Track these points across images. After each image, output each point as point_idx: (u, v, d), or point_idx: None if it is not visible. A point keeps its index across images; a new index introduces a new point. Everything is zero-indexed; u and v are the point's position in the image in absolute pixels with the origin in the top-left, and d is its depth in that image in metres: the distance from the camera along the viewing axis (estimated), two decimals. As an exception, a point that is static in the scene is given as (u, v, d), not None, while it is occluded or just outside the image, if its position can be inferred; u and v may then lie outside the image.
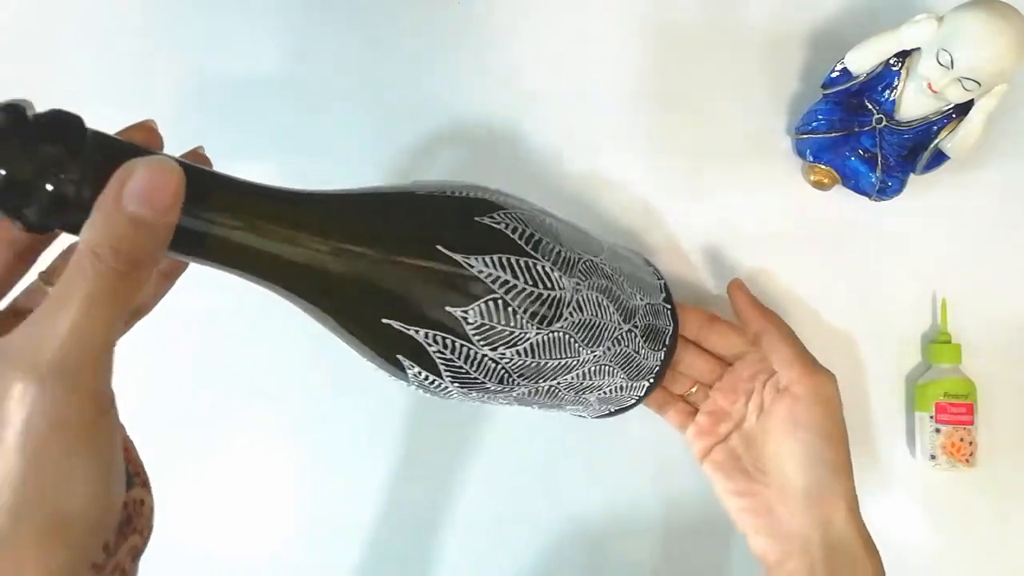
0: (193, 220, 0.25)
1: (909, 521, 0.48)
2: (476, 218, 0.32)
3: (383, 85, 0.50)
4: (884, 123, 0.45)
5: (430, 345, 0.31)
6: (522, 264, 0.32)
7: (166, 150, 0.29)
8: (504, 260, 0.31)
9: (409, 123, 0.50)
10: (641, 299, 0.38)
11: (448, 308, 0.30)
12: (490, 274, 0.31)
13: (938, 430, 0.45)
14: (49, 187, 0.22)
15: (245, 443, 0.50)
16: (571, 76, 0.49)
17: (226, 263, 0.27)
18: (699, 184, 0.49)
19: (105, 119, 0.52)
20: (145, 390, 0.48)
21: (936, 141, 0.44)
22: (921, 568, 0.48)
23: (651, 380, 0.40)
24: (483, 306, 0.31)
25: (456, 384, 0.32)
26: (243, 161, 0.50)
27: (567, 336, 0.33)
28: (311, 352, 0.48)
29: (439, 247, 0.30)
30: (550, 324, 0.33)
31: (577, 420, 0.49)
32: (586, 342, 0.34)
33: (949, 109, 0.43)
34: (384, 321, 0.30)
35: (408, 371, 0.32)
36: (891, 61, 0.43)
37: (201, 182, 0.26)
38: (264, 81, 0.50)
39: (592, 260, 0.36)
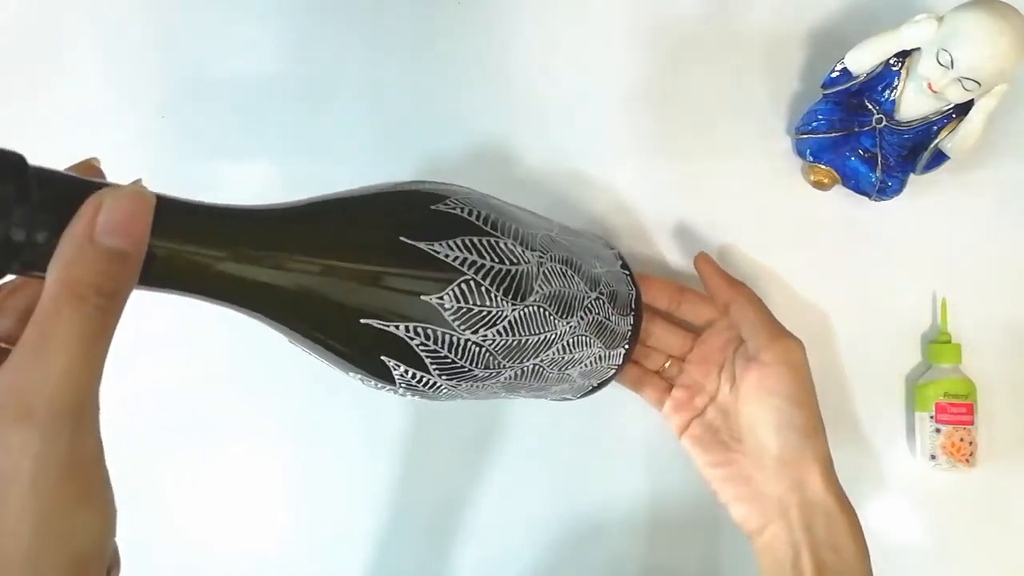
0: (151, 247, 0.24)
1: (909, 521, 0.48)
2: (432, 206, 0.32)
3: (383, 85, 0.50)
4: (884, 123, 0.45)
5: (412, 339, 0.31)
6: (485, 243, 0.32)
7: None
8: (468, 241, 0.31)
9: (409, 123, 0.50)
10: (601, 267, 0.39)
11: (424, 297, 0.30)
12: (457, 256, 0.31)
13: (938, 430, 0.45)
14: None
15: (241, 451, 0.50)
16: (571, 76, 0.49)
17: (181, 288, 0.27)
18: (699, 184, 0.49)
19: (105, 119, 0.52)
20: (140, 398, 0.48)
21: (936, 141, 0.44)
22: (921, 568, 0.48)
23: (626, 347, 0.41)
24: (456, 290, 0.31)
25: (444, 377, 0.32)
26: (243, 161, 0.50)
27: (541, 309, 0.34)
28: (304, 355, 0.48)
29: (403, 239, 0.30)
30: (523, 299, 0.33)
31: (571, 417, 0.49)
32: (560, 313, 0.35)
33: (949, 109, 0.43)
34: (363, 322, 0.30)
35: (395, 372, 0.32)
36: (891, 61, 0.43)
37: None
38: (264, 81, 0.50)
39: (548, 234, 0.36)
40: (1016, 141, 0.48)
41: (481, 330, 0.32)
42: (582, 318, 0.36)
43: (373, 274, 0.30)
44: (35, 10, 0.51)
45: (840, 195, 0.48)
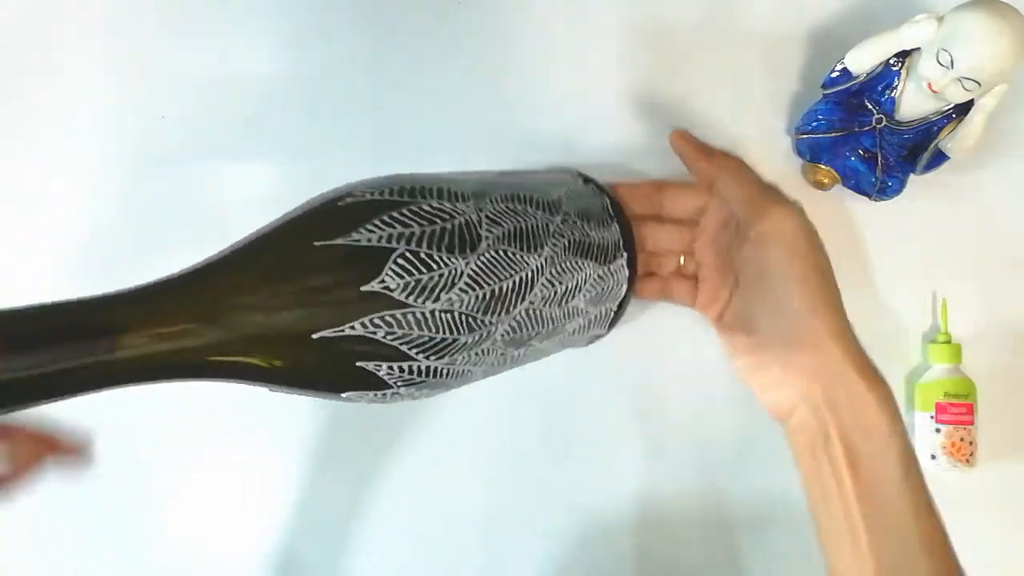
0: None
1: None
2: (338, 203, 0.31)
3: (383, 86, 0.50)
4: (884, 123, 0.45)
5: (375, 332, 0.29)
6: (406, 212, 0.30)
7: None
8: (386, 218, 0.30)
9: (409, 124, 0.50)
10: (558, 191, 0.37)
11: (364, 288, 0.29)
12: (379, 235, 0.29)
13: (938, 430, 0.45)
14: None
15: (240, 459, 0.50)
16: (570, 76, 0.49)
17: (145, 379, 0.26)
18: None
19: (105, 119, 0.52)
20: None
21: (936, 141, 0.44)
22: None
23: (624, 255, 0.38)
24: (394, 266, 0.29)
25: (433, 358, 0.30)
26: (243, 162, 0.50)
27: (501, 252, 0.32)
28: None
29: (316, 243, 0.29)
30: (473, 249, 0.31)
31: (568, 415, 0.49)
32: (525, 248, 0.33)
33: (949, 109, 0.43)
34: (316, 337, 0.28)
35: (380, 374, 0.30)
36: (891, 61, 0.43)
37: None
38: (264, 82, 0.50)
39: (483, 178, 0.35)
40: (1016, 141, 0.48)
41: (442, 295, 0.30)
42: (555, 245, 0.34)
43: (301, 289, 0.28)
44: (34, 10, 0.51)
45: (840, 195, 0.48)
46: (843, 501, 0.35)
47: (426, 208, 0.31)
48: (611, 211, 0.39)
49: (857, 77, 0.44)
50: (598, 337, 0.41)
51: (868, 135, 0.45)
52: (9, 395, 0.24)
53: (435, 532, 0.49)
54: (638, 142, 0.49)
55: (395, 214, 0.30)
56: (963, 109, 0.43)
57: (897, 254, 0.48)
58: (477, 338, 0.31)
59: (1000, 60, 0.38)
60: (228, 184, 0.50)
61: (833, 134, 0.46)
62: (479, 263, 0.31)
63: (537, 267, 0.33)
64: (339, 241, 0.29)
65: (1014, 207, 0.48)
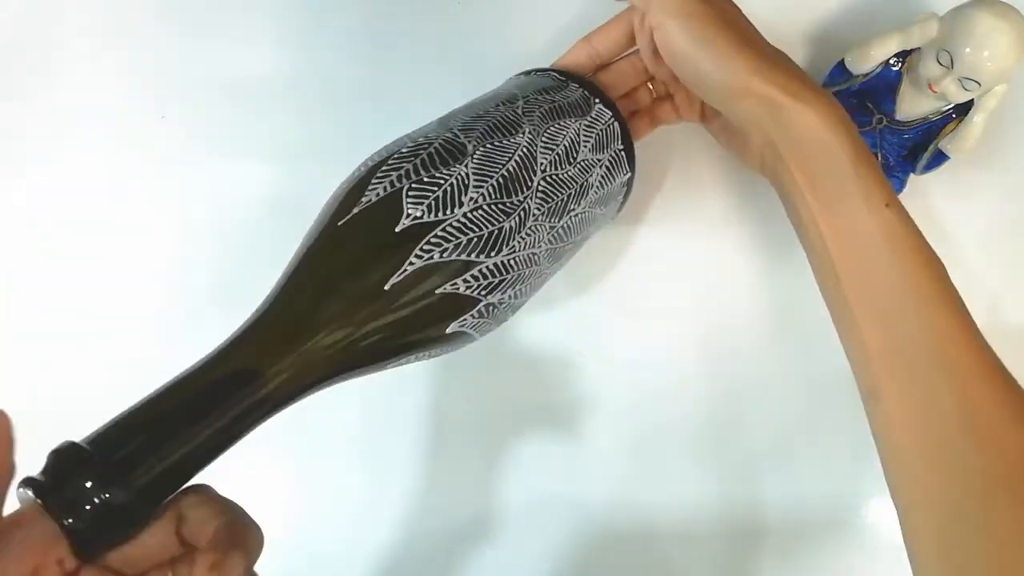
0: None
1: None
2: (343, 187, 0.34)
3: (383, 86, 0.50)
4: (884, 123, 0.45)
5: (432, 254, 0.32)
6: (392, 161, 0.34)
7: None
8: (379, 174, 0.33)
9: (409, 124, 0.50)
10: (508, 89, 0.40)
11: (397, 229, 0.32)
12: (382, 187, 0.33)
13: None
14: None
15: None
16: (571, 76, 0.49)
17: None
18: (699, 184, 0.49)
19: (105, 119, 0.52)
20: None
21: (936, 141, 0.44)
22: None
23: (597, 99, 0.40)
24: (409, 200, 0.32)
25: (494, 253, 0.33)
26: (243, 162, 0.50)
27: (487, 146, 0.35)
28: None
29: (339, 223, 0.33)
30: (464, 152, 0.34)
31: (565, 410, 0.49)
32: (506, 134, 0.35)
33: (949, 109, 0.43)
34: (387, 287, 0.31)
35: (463, 292, 0.33)
36: (891, 61, 0.43)
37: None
38: (264, 81, 0.50)
39: (438, 119, 0.38)
40: (1016, 141, 0.48)
41: (462, 198, 0.33)
42: (530, 120, 0.37)
43: (354, 259, 0.32)
44: (34, 10, 0.51)
45: (840, 195, 0.48)
46: (818, 237, 0.36)
47: (405, 150, 0.34)
48: (561, 78, 0.41)
49: (857, 77, 0.44)
50: (629, 186, 0.42)
51: (868, 135, 0.45)
52: (195, 461, 0.28)
53: (435, 533, 0.49)
54: (637, 142, 0.49)
55: (384, 167, 0.34)
56: (963, 109, 0.43)
57: (897, 254, 0.48)
58: (517, 220, 0.34)
59: (1000, 60, 0.38)
60: (228, 184, 0.50)
61: (833, 134, 0.46)
62: (475, 162, 0.34)
63: (527, 142, 0.36)
64: (356, 210, 0.32)
65: (1014, 207, 0.48)
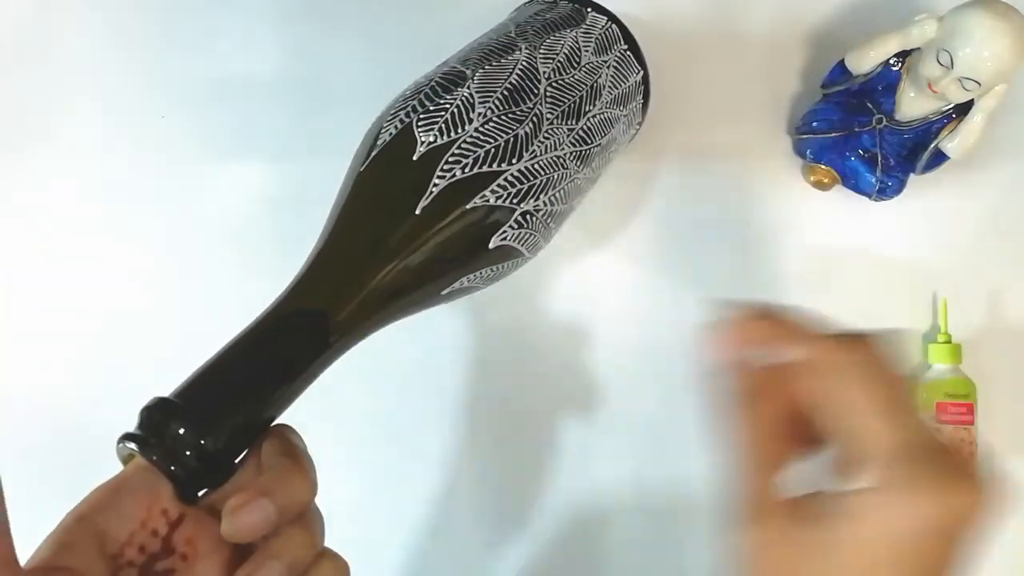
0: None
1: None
2: (364, 140, 0.37)
3: (383, 86, 0.50)
4: (884, 123, 0.45)
5: (453, 172, 0.33)
6: (399, 103, 0.36)
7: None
8: (388, 117, 0.35)
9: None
10: (514, 20, 0.41)
11: (415, 157, 0.33)
12: (394, 125, 0.35)
13: (938, 430, 0.45)
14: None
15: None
16: (571, 76, 0.49)
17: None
18: (698, 184, 0.49)
19: (105, 119, 0.52)
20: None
21: (936, 141, 0.44)
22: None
23: (604, 15, 0.41)
24: (420, 130, 0.34)
25: (516, 160, 0.34)
26: (243, 162, 0.50)
27: (486, 67, 0.36)
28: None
29: (361, 169, 0.35)
30: (463, 78, 0.35)
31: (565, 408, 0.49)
32: (503, 54, 0.37)
33: (949, 109, 0.43)
34: (418, 211, 0.32)
35: (493, 203, 0.33)
36: (891, 61, 0.43)
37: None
38: (264, 82, 0.50)
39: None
40: (1016, 141, 0.48)
41: (471, 115, 0.34)
42: (524, 37, 0.38)
43: (384, 191, 0.33)
44: (34, 10, 0.51)
45: (840, 195, 0.48)
46: None
47: (408, 92, 0.36)
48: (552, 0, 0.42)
49: (857, 77, 0.44)
50: (646, 84, 0.42)
51: (868, 135, 0.45)
52: (275, 402, 0.29)
53: (432, 529, 0.49)
54: (636, 142, 0.49)
55: (392, 112, 0.36)
56: (963, 109, 0.43)
57: (897, 254, 0.48)
58: (532, 126, 0.35)
59: (1000, 60, 0.38)
60: (228, 184, 0.50)
61: (833, 134, 0.46)
62: (476, 83, 0.35)
63: (526, 56, 0.37)
64: (374, 153, 0.34)
65: (1014, 207, 0.48)
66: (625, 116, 0.41)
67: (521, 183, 0.34)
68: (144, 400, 0.28)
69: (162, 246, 0.50)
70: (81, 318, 0.49)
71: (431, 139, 0.33)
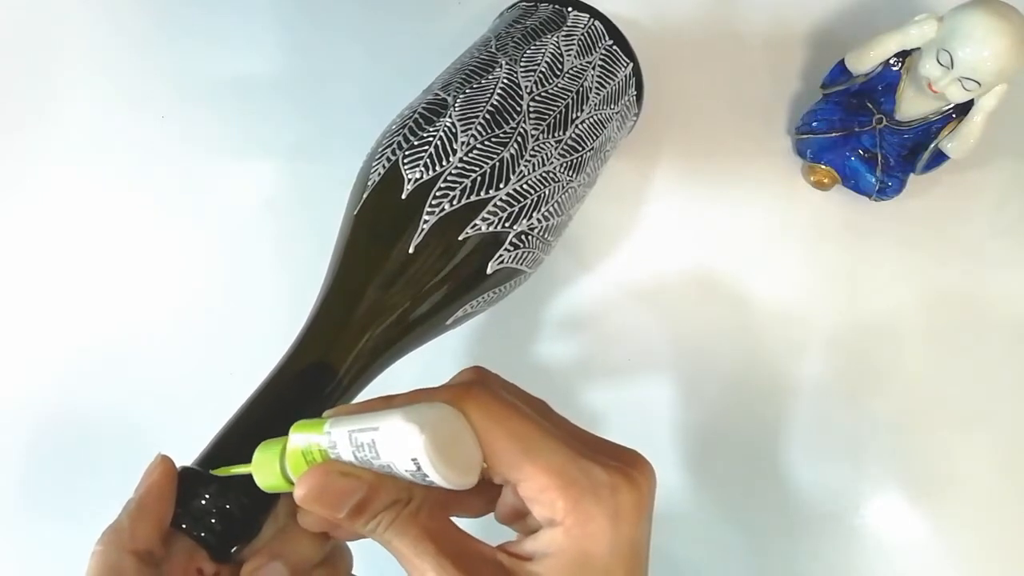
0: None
1: (911, 520, 0.48)
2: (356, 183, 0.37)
3: (383, 86, 0.50)
4: (884, 123, 0.45)
5: (442, 207, 0.33)
6: (384, 141, 0.36)
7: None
8: (376, 156, 0.36)
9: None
10: (495, 31, 0.41)
11: (403, 196, 0.33)
12: (381, 165, 0.35)
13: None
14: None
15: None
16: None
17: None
18: (698, 184, 0.49)
19: (105, 119, 0.52)
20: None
21: (936, 141, 0.44)
22: (922, 570, 0.48)
23: (587, 12, 0.40)
24: (406, 166, 0.34)
25: (503, 184, 0.34)
26: (243, 161, 0.50)
27: (467, 91, 0.36)
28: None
29: (355, 213, 0.35)
30: (445, 107, 0.35)
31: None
32: (482, 73, 0.37)
33: (949, 109, 0.43)
34: (411, 251, 0.33)
35: (486, 229, 0.33)
36: (891, 61, 0.43)
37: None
38: (264, 81, 0.50)
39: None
40: (1016, 141, 0.48)
41: (455, 146, 0.34)
42: (504, 51, 0.38)
43: (378, 234, 0.34)
44: (35, 11, 0.51)
45: (840, 195, 0.48)
46: None
47: (394, 126, 0.37)
48: (530, 2, 0.41)
49: (857, 77, 0.44)
50: (637, 76, 0.42)
51: (868, 135, 0.45)
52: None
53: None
54: (636, 141, 0.49)
55: (380, 149, 0.36)
56: (963, 109, 0.43)
57: (897, 254, 0.48)
58: (516, 147, 0.35)
59: (1000, 60, 0.38)
60: (228, 184, 0.50)
61: (833, 134, 0.46)
62: (458, 110, 0.35)
63: (506, 73, 0.36)
64: (366, 195, 0.35)
65: (1014, 207, 0.48)
66: (618, 113, 0.41)
67: (512, 206, 0.34)
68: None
69: (162, 246, 0.50)
70: (80, 318, 0.49)
71: (417, 176, 0.33)
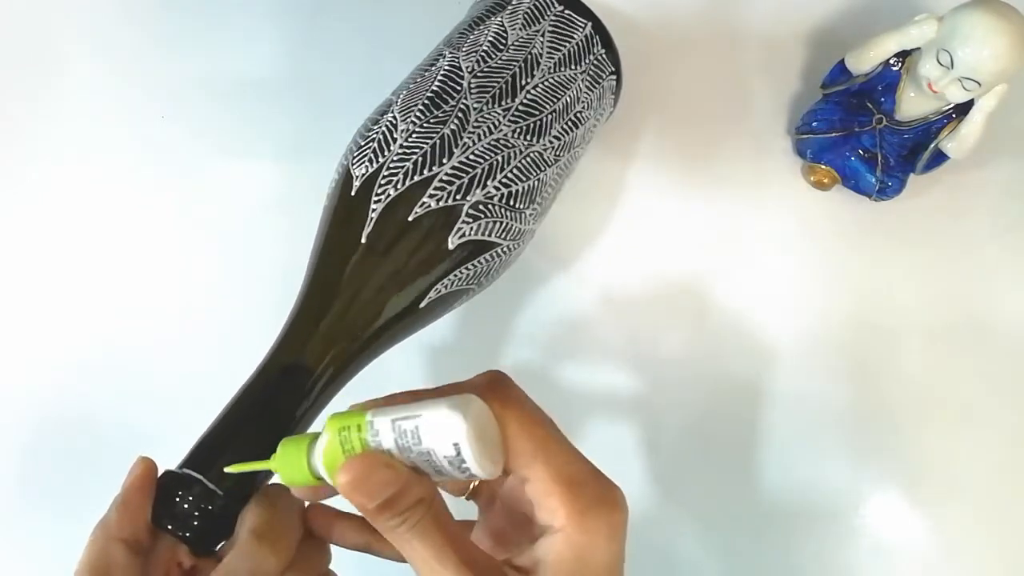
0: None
1: (910, 521, 0.48)
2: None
3: (384, 86, 0.50)
4: (884, 123, 0.45)
5: (386, 194, 0.34)
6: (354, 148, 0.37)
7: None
8: (340, 164, 0.37)
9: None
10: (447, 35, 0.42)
11: (352, 195, 0.35)
12: (338, 171, 0.37)
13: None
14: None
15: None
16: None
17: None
18: (698, 184, 0.49)
19: (105, 119, 0.52)
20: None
21: (936, 141, 0.44)
22: (922, 570, 0.48)
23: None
24: (353, 160, 0.36)
25: (457, 166, 0.34)
26: (243, 161, 0.50)
27: (411, 78, 0.38)
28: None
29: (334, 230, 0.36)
30: (389, 106, 0.37)
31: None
32: (427, 61, 0.39)
33: (949, 109, 0.43)
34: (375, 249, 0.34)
35: (447, 203, 0.34)
36: (891, 61, 0.43)
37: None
38: (264, 81, 0.50)
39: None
40: (1016, 141, 0.48)
41: (396, 135, 0.35)
42: (453, 48, 0.38)
43: (344, 235, 0.34)
44: (35, 11, 0.51)
45: (840, 195, 0.48)
46: None
47: (353, 140, 0.38)
48: None
49: (857, 77, 0.44)
50: (601, 33, 0.40)
51: (868, 135, 0.45)
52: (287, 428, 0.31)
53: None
54: (636, 142, 0.49)
55: (340, 164, 0.37)
56: (963, 109, 0.43)
57: (897, 254, 0.48)
58: (458, 122, 0.35)
59: (1000, 60, 0.38)
60: (228, 184, 0.50)
61: (833, 134, 0.46)
62: (399, 105, 0.36)
63: (448, 61, 0.37)
64: (327, 203, 0.36)
65: (1014, 207, 0.48)
66: (583, 73, 0.39)
67: (459, 178, 0.34)
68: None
69: (162, 246, 0.50)
70: (80, 317, 0.49)
71: (363, 171, 0.35)
